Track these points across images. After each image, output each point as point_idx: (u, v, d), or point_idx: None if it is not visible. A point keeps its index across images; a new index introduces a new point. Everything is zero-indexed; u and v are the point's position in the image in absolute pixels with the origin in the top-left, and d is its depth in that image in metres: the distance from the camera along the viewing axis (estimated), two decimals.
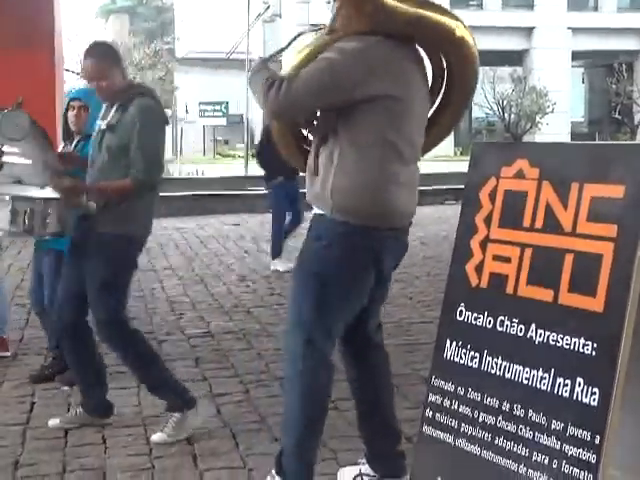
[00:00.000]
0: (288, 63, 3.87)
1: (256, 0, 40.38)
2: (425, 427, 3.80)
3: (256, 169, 26.21)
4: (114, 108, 4.92)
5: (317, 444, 4.03)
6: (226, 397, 5.72)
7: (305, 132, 4.10)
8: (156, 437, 4.93)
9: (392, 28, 3.77)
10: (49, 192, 4.87)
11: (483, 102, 40.85)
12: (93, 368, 5.26)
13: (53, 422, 5.24)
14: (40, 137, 5.36)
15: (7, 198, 4.73)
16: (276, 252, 10.93)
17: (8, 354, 6.79)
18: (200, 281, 10.06)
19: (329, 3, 3.95)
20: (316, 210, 3.91)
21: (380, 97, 3.72)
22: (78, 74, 47.44)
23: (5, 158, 5.20)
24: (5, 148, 5.20)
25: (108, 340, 5.07)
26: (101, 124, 4.96)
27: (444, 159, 34.06)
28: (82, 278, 4.97)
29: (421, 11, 3.80)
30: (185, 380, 5.57)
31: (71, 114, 5.88)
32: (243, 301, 8.89)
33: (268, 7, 47.30)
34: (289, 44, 4.07)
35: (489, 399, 3.52)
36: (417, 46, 3.89)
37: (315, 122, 3.95)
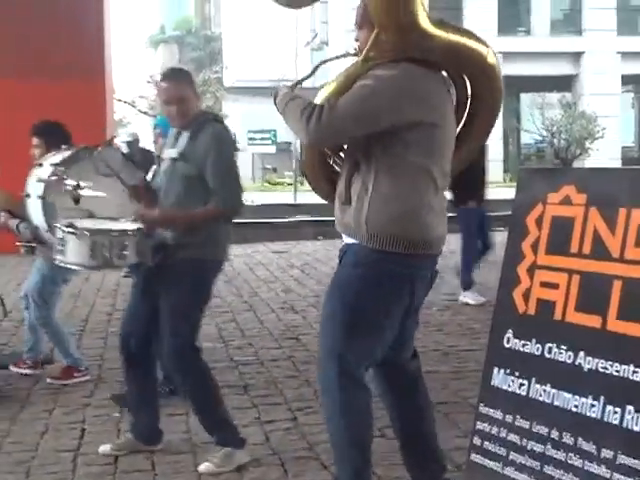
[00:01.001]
0: (324, 90, 3.88)
1: (304, 28, 40.60)
2: (473, 455, 3.78)
3: (305, 197, 26.24)
4: (184, 136, 4.95)
5: (371, 470, 4.03)
6: (274, 424, 5.72)
7: (331, 162, 4.12)
8: (203, 467, 4.93)
9: (430, 55, 3.79)
10: (125, 224, 4.95)
11: (532, 128, 40.68)
12: (150, 396, 5.28)
13: (104, 448, 5.27)
14: (131, 168, 5.53)
15: (86, 233, 4.80)
16: (467, 284, 10.46)
17: (70, 382, 6.87)
18: (249, 308, 10.09)
19: (354, 30, 3.95)
20: (346, 239, 3.91)
21: (417, 124, 3.74)
22: (127, 103, 48.08)
23: (81, 192, 5.35)
24: (82, 182, 5.33)
25: (177, 367, 5.04)
26: (171, 152, 4.98)
27: (493, 185, 33.95)
28: (152, 307, 4.99)
29: (457, 37, 3.83)
30: (234, 407, 5.59)
31: (156, 141, 6.03)
32: (292, 328, 8.90)
33: (316, 35, 47.63)
34: (313, 71, 4.08)
35: (538, 427, 3.49)
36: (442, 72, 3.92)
37: (343, 151, 3.99)
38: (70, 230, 4.83)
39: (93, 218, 5.30)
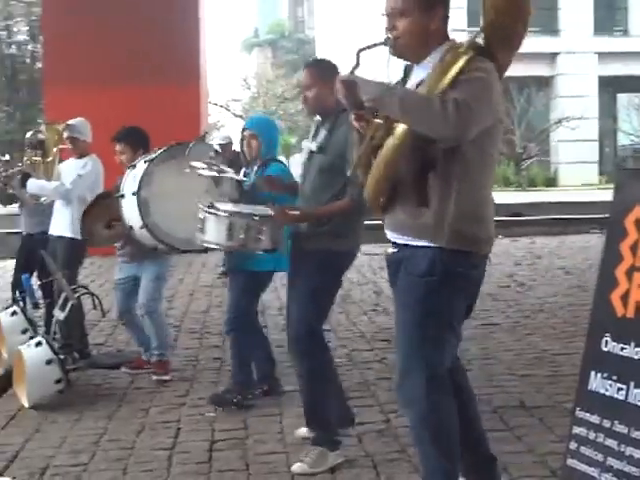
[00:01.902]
0: (433, 82, 3.68)
1: None
2: (570, 460, 3.73)
3: None
4: (324, 129, 5.06)
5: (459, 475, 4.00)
6: (367, 426, 5.70)
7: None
8: (296, 467, 4.96)
9: None
10: (263, 209, 5.09)
11: (629, 129, 39.91)
12: (329, 380, 5.25)
13: (300, 431, 5.44)
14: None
15: (224, 214, 4.99)
16: None
17: (168, 377, 7.00)
18: (341, 310, 10.09)
19: (384, 15, 3.86)
20: (406, 242, 3.82)
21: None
22: (221, 106, 48.56)
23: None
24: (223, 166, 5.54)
25: (301, 353, 5.10)
26: (310, 146, 5.10)
27: (589, 187, 33.44)
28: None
29: None
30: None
31: (245, 143, 6.13)
32: (384, 330, 8.87)
33: None
34: (357, 62, 3.93)
35: (636, 432, 3.42)
36: None
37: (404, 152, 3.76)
38: (210, 210, 5.04)
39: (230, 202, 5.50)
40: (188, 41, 16.82)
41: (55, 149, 8.05)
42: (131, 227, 6.46)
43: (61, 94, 15.54)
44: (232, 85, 50.90)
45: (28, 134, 8.35)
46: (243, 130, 6.23)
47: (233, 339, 6.34)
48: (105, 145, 7.31)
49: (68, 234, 7.65)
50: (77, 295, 6.97)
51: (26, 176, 7.97)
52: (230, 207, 5.13)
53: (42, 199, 8.15)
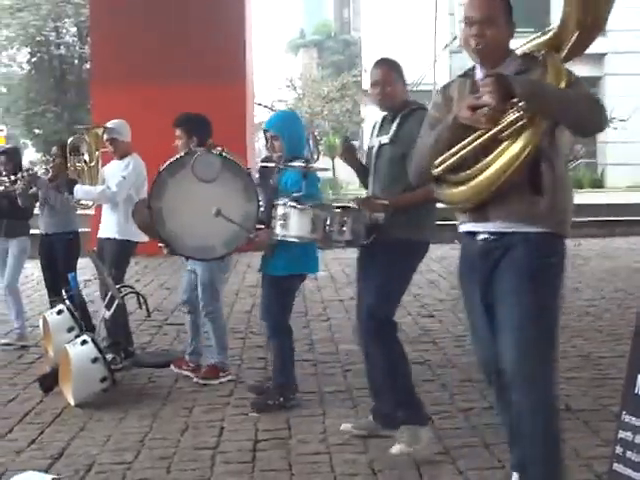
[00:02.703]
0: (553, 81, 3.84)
1: (443, 31, 40.38)
2: (616, 465, 3.70)
3: None
4: (394, 123, 5.22)
5: None
6: None
7: None
8: (395, 450, 5.05)
9: None
10: (346, 201, 5.23)
11: None
12: (391, 381, 5.31)
13: (345, 426, 5.51)
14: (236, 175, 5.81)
15: (308, 207, 5.10)
16: None
17: (217, 382, 6.98)
18: None
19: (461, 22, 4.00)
20: (519, 230, 3.85)
21: None
22: (267, 107, 48.70)
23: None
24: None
25: (374, 341, 5.24)
26: (381, 139, 5.27)
27: (636, 189, 33.07)
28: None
29: None
30: (370, 410, 5.60)
31: (266, 144, 6.12)
32: (429, 332, 8.85)
33: (455, 38, 47.24)
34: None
35: None
36: None
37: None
38: (293, 204, 5.14)
39: None
40: (234, 41, 16.88)
41: (97, 153, 8.08)
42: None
43: (108, 94, 15.68)
44: (277, 86, 50.96)
45: (69, 140, 8.38)
46: (264, 131, 6.22)
47: (274, 342, 6.34)
48: (152, 144, 7.36)
49: (116, 236, 7.70)
50: (123, 295, 7.02)
51: (72, 182, 8.01)
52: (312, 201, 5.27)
53: (89, 204, 8.22)
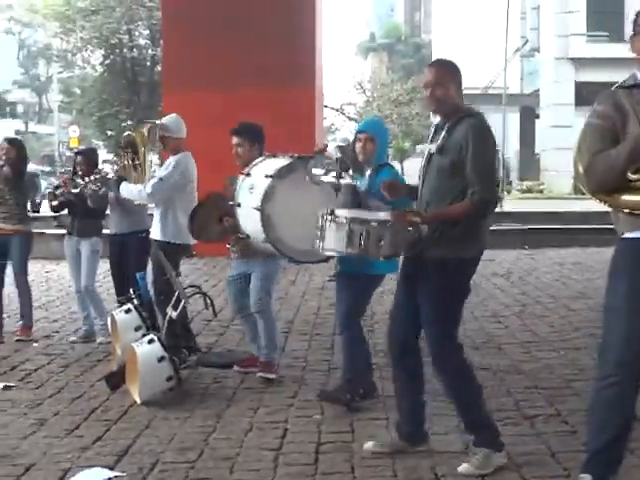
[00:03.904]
0: None
1: (514, 35, 40.06)
2: None
3: (512, 204, 25.84)
4: (444, 131, 5.03)
5: None
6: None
7: None
8: (462, 468, 4.98)
9: None
10: (383, 215, 5.04)
11: None
12: (416, 396, 5.31)
13: (367, 446, 5.37)
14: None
15: (344, 220, 4.95)
16: None
17: (272, 376, 7.04)
18: None
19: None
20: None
21: None
22: (337, 110, 48.77)
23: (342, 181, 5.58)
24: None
25: (443, 369, 5.10)
26: (430, 148, 5.10)
27: None
28: (412, 303, 5.11)
29: None
30: (435, 415, 5.58)
31: (358, 145, 6.11)
32: (495, 337, 8.78)
33: (527, 41, 46.85)
34: None
35: None
36: None
37: None
38: (330, 217, 5.00)
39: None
40: (305, 45, 16.90)
41: (143, 149, 8.05)
42: (248, 236, 6.53)
43: (179, 97, 15.79)
44: (347, 89, 50.99)
45: (122, 137, 8.42)
46: (358, 133, 6.21)
47: (345, 340, 6.35)
48: (222, 146, 7.37)
49: (159, 237, 7.74)
50: (189, 295, 7.07)
51: (120, 179, 8.05)
52: (350, 213, 5.09)
53: (136, 202, 8.24)
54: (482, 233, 5.06)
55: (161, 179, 7.60)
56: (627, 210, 4.03)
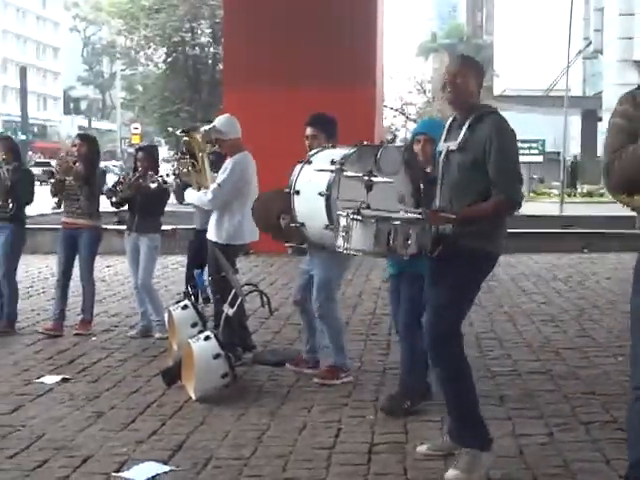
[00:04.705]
0: None
1: (577, 37, 39.67)
2: None
3: (571, 208, 25.56)
4: (464, 127, 4.99)
5: None
6: (529, 438, 5.62)
7: None
8: (450, 475, 4.89)
9: None
10: (409, 214, 5.00)
11: None
12: (470, 379, 5.14)
13: (420, 449, 5.34)
14: (408, 173, 5.68)
15: (371, 220, 4.89)
16: None
17: (337, 382, 7.01)
18: (509, 319, 9.96)
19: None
20: None
21: None
22: (397, 110, 48.73)
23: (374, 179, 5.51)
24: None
25: (440, 355, 5.04)
26: (449, 145, 5.06)
27: None
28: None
29: None
30: (488, 418, 5.52)
31: (417, 147, 6.07)
32: (552, 341, 8.71)
33: (589, 43, 46.43)
34: None
35: None
36: None
37: None
38: (356, 217, 4.93)
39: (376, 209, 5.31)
40: (365, 44, 16.91)
41: (201, 155, 8.05)
42: (302, 224, 6.44)
43: (239, 95, 15.90)
44: (407, 89, 50.94)
45: (182, 142, 8.45)
46: (416, 134, 6.17)
47: (406, 345, 6.31)
48: (283, 145, 7.38)
49: (214, 239, 7.77)
50: (246, 293, 7.10)
51: (185, 185, 8.08)
52: (375, 212, 5.03)
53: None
54: (501, 230, 5.09)
55: (219, 185, 7.63)
56: None
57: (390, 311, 6.82)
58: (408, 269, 6.12)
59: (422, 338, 6.18)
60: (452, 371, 5.05)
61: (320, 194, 6.08)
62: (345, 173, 5.73)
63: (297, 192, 6.36)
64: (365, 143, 6.16)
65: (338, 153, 6.19)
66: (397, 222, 4.82)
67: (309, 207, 6.25)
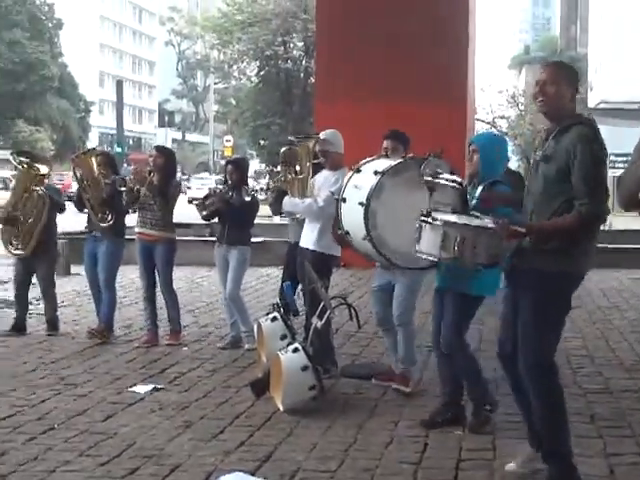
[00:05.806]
0: None
1: None
2: None
3: None
4: (551, 138, 4.88)
5: None
6: (620, 457, 5.52)
7: None
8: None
9: None
10: (483, 221, 4.90)
11: None
12: (560, 427, 4.96)
13: (509, 467, 5.24)
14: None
15: (439, 223, 4.85)
16: None
17: (408, 390, 7.03)
18: (600, 335, 9.80)
19: None
20: None
21: None
22: (488, 123, 48.36)
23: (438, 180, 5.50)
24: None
25: (533, 384, 4.89)
26: (536, 155, 4.96)
27: None
28: (515, 312, 4.96)
29: None
30: (578, 436, 5.46)
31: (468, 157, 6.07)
32: None
33: None
34: None
35: None
36: None
37: None
38: (425, 219, 4.90)
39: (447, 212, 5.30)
40: (458, 60, 16.83)
41: (308, 164, 8.02)
42: (347, 232, 6.47)
43: (331, 109, 15.96)
44: (499, 102, 50.51)
45: (282, 150, 8.48)
46: (469, 144, 6.17)
47: (457, 361, 6.18)
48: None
49: (314, 248, 7.72)
50: (334, 306, 7.12)
51: (282, 194, 8.10)
52: (447, 217, 4.94)
53: (297, 216, 8.25)
54: (590, 247, 4.85)
55: (332, 193, 7.54)
56: None
57: (432, 322, 6.53)
58: (454, 286, 6.03)
59: (465, 354, 6.09)
60: (546, 402, 4.90)
61: (360, 204, 6.11)
62: (388, 182, 5.79)
63: (344, 200, 6.42)
64: (410, 156, 6.23)
65: (383, 164, 6.22)
66: (466, 229, 4.74)
67: (352, 216, 6.32)
